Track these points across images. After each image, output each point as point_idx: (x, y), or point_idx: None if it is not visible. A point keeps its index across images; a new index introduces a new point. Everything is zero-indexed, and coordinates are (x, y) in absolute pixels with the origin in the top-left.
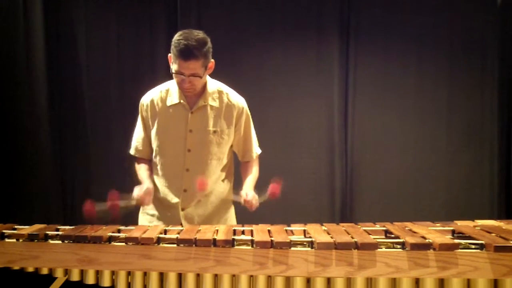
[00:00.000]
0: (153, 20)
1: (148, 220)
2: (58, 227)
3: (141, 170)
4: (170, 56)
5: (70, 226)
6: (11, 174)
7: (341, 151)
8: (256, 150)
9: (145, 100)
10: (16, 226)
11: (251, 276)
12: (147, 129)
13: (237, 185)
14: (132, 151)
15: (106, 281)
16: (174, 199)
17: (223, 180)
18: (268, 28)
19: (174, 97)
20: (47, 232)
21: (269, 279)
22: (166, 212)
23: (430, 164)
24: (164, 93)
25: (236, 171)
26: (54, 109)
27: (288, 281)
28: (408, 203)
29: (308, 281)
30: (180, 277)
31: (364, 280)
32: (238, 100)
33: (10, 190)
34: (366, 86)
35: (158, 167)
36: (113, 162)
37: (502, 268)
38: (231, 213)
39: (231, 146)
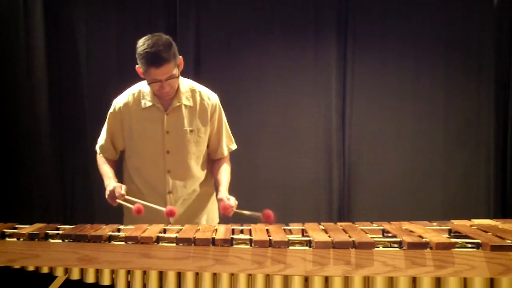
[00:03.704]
0: (153, 20)
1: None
2: (59, 226)
3: (104, 166)
4: (138, 67)
5: (70, 225)
6: (11, 174)
7: (338, 151)
8: (229, 147)
9: (119, 103)
10: (16, 226)
11: (250, 275)
12: (118, 132)
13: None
14: (97, 149)
15: (106, 280)
16: (160, 201)
17: (205, 178)
18: (266, 29)
19: (147, 100)
20: (48, 231)
21: (268, 278)
22: (150, 214)
23: (427, 164)
24: (137, 96)
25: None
26: (54, 109)
27: (286, 280)
28: (405, 202)
29: (306, 279)
30: (179, 276)
31: (361, 279)
32: (211, 97)
33: (10, 189)
34: (363, 87)
35: (139, 171)
36: None
37: (498, 267)
38: (215, 208)
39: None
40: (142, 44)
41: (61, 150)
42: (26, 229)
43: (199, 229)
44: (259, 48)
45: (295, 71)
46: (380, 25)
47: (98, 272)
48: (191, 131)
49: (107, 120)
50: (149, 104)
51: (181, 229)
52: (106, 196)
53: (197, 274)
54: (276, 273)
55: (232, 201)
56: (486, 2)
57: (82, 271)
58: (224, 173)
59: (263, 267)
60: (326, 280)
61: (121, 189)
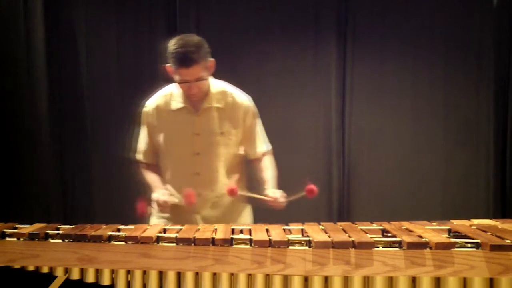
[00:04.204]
0: (153, 21)
1: (162, 223)
2: (59, 226)
3: (150, 174)
4: (168, 66)
5: (70, 225)
6: (11, 174)
7: (338, 151)
8: (263, 147)
9: (149, 105)
10: (16, 225)
11: (250, 274)
12: (152, 135)
13: (250, 184)
14: (138, 156)
15: (106, 279)
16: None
17: (235, 181)
18: (266, 29)
19: (178, 101)
20: (48, 231)
21: (267, 278)
22: (183, 215)
23: (427, 163)
24: (168, 97)
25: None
26: (54, 109)
27: (286, 280)
28: (405, 202)
29: (306, 279)
30: (179, 276)
31: (361, 279)
32: (243, 99)
33: (10, 189)
34: (363, 86)
35: (168, 172)
36: (113, 162)
37: (498, 267)
38: (247, 211)
39: (240, 146)
40: (173, 43)
41: (61, 150)
42: (26, 229)
43: (199, 229)
44: (259, 48)
45: (295, 71)
46: (380, 25)
47: (98, 272)
48: (221, 133)
49: (141, 123)
50: (179, 105)
51: (181, 229)
52: (162, 199)
53: (197, 274)
54: (276, 273)
55: (278, 195)
56: (485, 2)
57: (82, 271)
58: (265, 170)
59: (263, 267)
60: (326, 280)
61: (162, 196)
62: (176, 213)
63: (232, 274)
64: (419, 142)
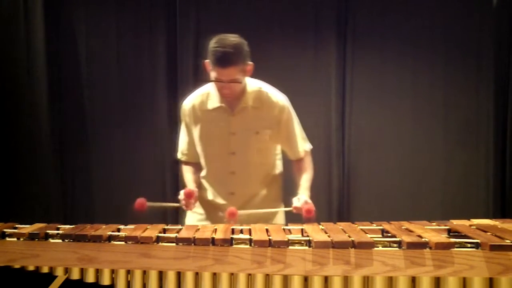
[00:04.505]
0: (153, 21)
1: (196, 219)
2: (59, 226)
3: (186, 173)
4: (207, 62)
5: (70, 225)
6: (11, 174)
7: (338, 151)
8: (303, 148)
9: (186, 104)
10: (17, 225)
11: (249, 274)
12: (190, 134)
13: (289, 185)
14: (178, 155)
15: (106, 279)
16: (222, 202)
17: (270, 181)
18: (266, 29)
19: (214, 101)
20: (48, 231)
21: (267, 278)
22: (216, 212)
23: (426, 163)
24: (205, 97)
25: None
26: (54, 109)
27: (286, 280)
28: (405, 202)
29: (306, 279)
30: (179, 276)
31: (361, 279)
32: (279, 98)
33: (10, 189)
34: (363, 86)
35: (205, 170)
36: (113, 162)
37: (498, 267)
38: (281, 212)
39: (277, 145)
40: (214, 41)
41: (61, 150)
42: (26, 229)
43: (198, 229)
44: (259, 48)
45: (295, 70)
46: (380, 25)
47: (98, 272)
48: (257, 132)
49: (181, 122)
50: (216, 105)
51: (180, 229)
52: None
53: (197, 274)
54: (276, 272)
55: (301, 203)
56: (485, 2)
57: (82, 271)
58: (302, 173)
59: (263, 266)
60: (326, 280)
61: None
62: (209, 210)
63: (232, 274)
64: (419, 142)
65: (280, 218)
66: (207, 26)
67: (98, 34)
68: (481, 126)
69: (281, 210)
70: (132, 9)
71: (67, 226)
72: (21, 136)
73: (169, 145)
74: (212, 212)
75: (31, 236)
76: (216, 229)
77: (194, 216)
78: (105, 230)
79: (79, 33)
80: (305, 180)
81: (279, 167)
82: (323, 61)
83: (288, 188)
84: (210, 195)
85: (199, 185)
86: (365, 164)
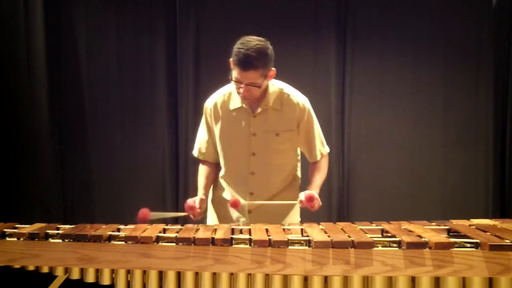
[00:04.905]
0: (153, 20)
1: (215, 219)
2: (59, 226)
3: (200, 176)
4: (231, 61)
5: (70, 225)
6: (11, 174)
7: (338, 151)
8: (322, 151)
9: (208, 103)
10: (17, 225)
11: (249, 274)
12: (211, 132)
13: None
14: (195, 153)
15: (106, 279)
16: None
17: (289, 182)
18: (265, 29)
19: (236, 101)
20: (48, 231)
21: (267, 278)
22: (234, 212)
23: (426, 163)
24: (227, 97)
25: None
26: (54, 109)
27: (286, 280)
28: (404, 202)
29: (306, 279)
30: (179, 276)
31: (360, 279)
32: (300, 100)
33: (10, 189)
34: (362, 86)
35: (224, 170)
36: (113, 162)
37: (497, 267)
38: (296, 210)
39: (297, 147)
40: (241, 42)
41: (61, 150)
42: (26, 229)
43: (198, 229)
44: None
45: (294, 70)
46: (379, 24)
47: (98, 272)
48: (277, 134)
49: (203, 121)
50: (237, 105)
51: (180, 229)
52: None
53: (196, 273)
54: (276, 272)
55: (304, 196)
56: (485, 2)
57: (82, 271)
58: (316, 172)
59: (263, 266)
60: (326, 279)
61: (194, 202)
62: (227, 210)
63: (231, 274)
64: (418, 141)
65: (295, 216)
66: (207, 26)
67: (98, 34)
68: (480, 126)
69: (288, 202)
70: (132, 9)
71: (67, 226)
72: (21, 136)
73: (169, 145)
74: (231, 211)
75: (31, 236)
76: (216, 229)
77: (214, 216)
78: (105, 230)
79: (79, 33)
80: (316, 179)
81: (298, 169)
82: (323, 61)
83: (306, 189)
84: (228, 194)
85: (216, 185)
86: (364, 164)
